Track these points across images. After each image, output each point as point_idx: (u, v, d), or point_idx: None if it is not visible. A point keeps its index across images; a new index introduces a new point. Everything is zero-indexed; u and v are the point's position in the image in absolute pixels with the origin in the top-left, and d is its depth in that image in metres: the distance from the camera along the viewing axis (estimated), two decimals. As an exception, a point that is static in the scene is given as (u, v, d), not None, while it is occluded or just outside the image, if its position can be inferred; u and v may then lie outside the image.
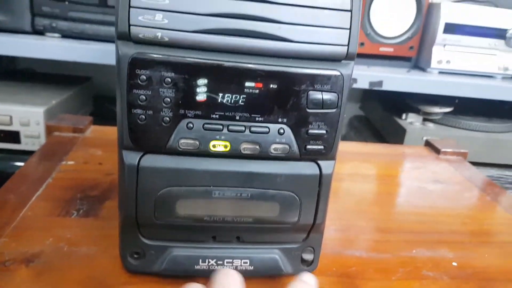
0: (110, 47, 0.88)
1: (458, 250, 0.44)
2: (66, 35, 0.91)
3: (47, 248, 0.38)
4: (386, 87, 0.98)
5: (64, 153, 0.57)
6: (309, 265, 0.38)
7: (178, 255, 0.35)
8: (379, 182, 0.60)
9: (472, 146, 1.04)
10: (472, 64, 1.07)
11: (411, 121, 1.08)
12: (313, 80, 0.31)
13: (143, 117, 0.30)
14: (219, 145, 0.31)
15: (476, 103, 1.08)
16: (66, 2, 0.89)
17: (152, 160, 0.32)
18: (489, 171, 1.07)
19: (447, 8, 1.02)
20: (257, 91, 0.31)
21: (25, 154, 0.86)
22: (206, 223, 0.33)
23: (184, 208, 0.33)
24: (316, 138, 0.32)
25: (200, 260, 0.35)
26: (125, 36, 0.29)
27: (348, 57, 0.31)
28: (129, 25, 0.28)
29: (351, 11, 0.30)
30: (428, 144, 0.76)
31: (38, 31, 0.91)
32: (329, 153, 0.33)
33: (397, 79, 0.99)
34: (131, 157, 0.32)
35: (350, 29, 0.31)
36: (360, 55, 1.05)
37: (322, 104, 0.32)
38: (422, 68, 1.09)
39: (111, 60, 0.88)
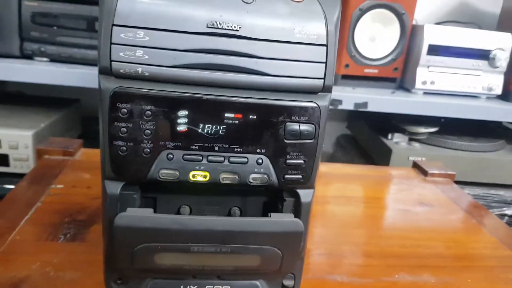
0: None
1: (441, 275, 0.45)
2: (54, 59, 0.92)
3: (34, 273, 0.38)
4: (371, 108, 0.99)
5: (54, 176, 0.58)
6: None
7: (159, 282, 0.35)
8: (364, 205, 0.61)
9: (458, 166, 1.06)
10: (456, 84, 1.10)
11: (397, 140, 1.10)
12: (290, 112, 0.32)
13: (124, 148, 0.31)
14: (198, 175, 0.32)
15: (462, 123, 1.10)
16: (55, 27, 0.90)
17: (129, 220, 0.31)
18: (475, 190, 1.09)
19: (430, 30, 1.05)
20: (236, 122, 0.31)
21: (14, 177, 0.86)
22: (185, 269, 0.34)
23: (163, 258, 0.33)
24: (294, 167, 0.33)
25: (182, 287, 0.35)
26: (107, 71, 0.30)
27: (325, 89, 0.32)
28: (111, 61, 0.29)
29: (326, 45, 0.32)
30: (415, 165, 0.77)
31: (26, 56, 0.92)
32: (307, 182, 0.34)
33: (382, 100, 1.01)
34: (113, 187, 0.32)
35: (326, 62, 0.32)
36: (345, 77, 1.07)
37: (300, 135, 0.32)
38: (407, 89, 1.11)
39: (97, 84, 0.88)
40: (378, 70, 1.08)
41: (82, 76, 0.88)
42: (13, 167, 0.86)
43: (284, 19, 0.31)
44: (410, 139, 1.10)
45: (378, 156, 1.13)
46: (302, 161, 0.33)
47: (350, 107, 0.98)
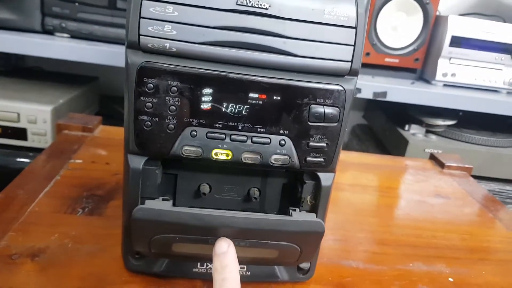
0: (118, 49, 0.88)
1: (455, 266, 0.45)
2: (75, 35, 0.92)
3: (52, 244, 0.39)
4: (390, 98, 0.98)
5: (73, 151, 0.58)
6: (305, 274, 0.38)
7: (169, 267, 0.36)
8: (380, 194, 0.61)
9: (474, 160, 1.04)
10: (477, 78, 1.07)
11: (413, 132, 1.08)
12: (316, 94, 0.32)
13: (149, 123, 0.31)
14: (221, 154, 0.32)
15: (480, 117, 1.08)
16: (76, 3, 0.90)
17: (148, 213, 0.31)
18: (490, 185, 1.07)
19: (454, 21, 1.03)
20: (260, 102, 0.31)
21: (32, 151, 0.87)
22: (201, 256, 0.34)
23: (180, 247, 0.33)
24: (317, 150, 0.33)
25: (199, 264, 0.36)
26: (135, 45, 0.30)
27: (351, 73, 0.32)
28: (139, 35, 0.29)
29: (356, 28, 0.31)
30: (432, 157, 0.77)
31: (47, 31, 0.92)
32: (328, 165, 0.34)
33: (401, 90, 0.99)
34: (136, 161, 0.32)
35: (354, 45, 0.31)
36: (365, 65, 1.05)
37: (324, 117, 0.32)
38: (427, 80, 1.10)
39: (118, 62, 0.89)
40: (399, 60, 1.06)
41: (101, 54, 0.89)
42: (31, 141, 0.87)
43: (313, 0, 0.30)
44: (427, 131, 1.09)
45: (394, 147, 1.12)
46: (325, 144, 0.33)
47: (369, 96, 0.97)
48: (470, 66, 1.06)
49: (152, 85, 0.30)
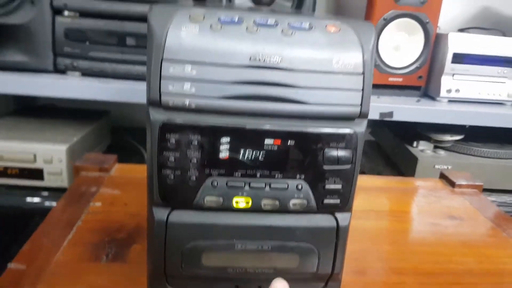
0: (128, 85, 0.91)
1: (473, 291, 0.45)
2: (86, 73, 0.95)
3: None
4: (396, 117, 0.99)
5: (91, 194, 0.60)
6: None
7: None
8: (393, 219, 0.62)
9: (484, 173, 1.05)
10: (481, 92, 1.09)
11: (422, 148, 1.09)
12: (329, 139, 0.33)
13: (172, 176, 0.33)
14: (241, 201, 0.33)
15: (488, 130, 1.09)
16: (87, 43, 0.93)
17: (180, 216, 0.34)
18: (503, 197, 1.07)
19: (454, 39, 1.05)
20: (276, 149, 0.33)
21: (48, 191, 0.89)
22: (229, 274, 0.35)
23: (209, 260, 0.35)
24: (333, 192, 0.34)
25: None
26: (156, 103, 0.31)
27: (362, 115, 0.33)
28: (160, 94, 0.31)
29: (363, 73, 0.33)
30: (442, 176, 0.78)
31: (59, 70, 0.95)
32: (345, 206, 0.35)
33: (407, 109, 1.01)
34: (161, 213, 0.34)
35: (363, 90, 0.33)
36: (370, 86, 1.07)
37: (338, 161, 0.34)
38: (432, 97, 1.11)
39: (129, 97, 0.91)
40: (402, 78, 1.08)
41: (113, 90, 0.91)
42: (48, 181, 0.89)
43: (322, 50, 0.32)
44: (436, 147, 1.10)
45: (404, 164, 1.13)
46: (340, 186, 0.34)
47: (376, 116, 0.98)
48: (473, 81, 1.08)
49: (174, 140, 0.32)
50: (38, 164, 0.87)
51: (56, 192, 0.89)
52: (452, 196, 0.71)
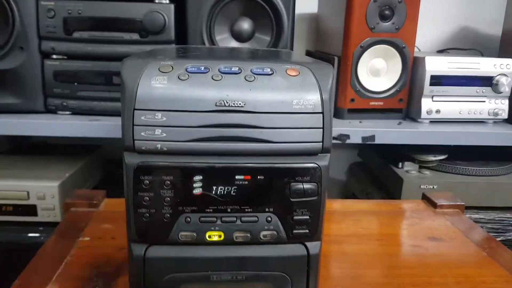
0: (117, 121, 0.93)
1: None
2: (76, 112, 0.98)
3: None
4: (379, 140, 1.02)
5: (80, 229, 0.62)
6: None
7: None
8: (376, 243, 0.63)
9: (470, 191, 1.07)
10: (462, 111, 1.11)
11: (407, 169, 1.11)
12: (294, 173, 0.36)
13: (147, 215, 0.35)
14: (214, 235, 0.36)
15: (471, 148, 1.11)
16: (75, 83, 0.97)
17: (156, 251, 0.36)
18: (490, 214, 1.09)
19: (431, 62, 1.08)
20: (245, 184, 0.35)
21: (42, 225, 0.92)
22: None
23: None
24: (301, 223, 0.37)
25: None
26: (130, 148, 0.34)
27: (324, 150, 0.36)
28: (134, 140, 0.34)
29: (322, 113, 0.36)
30: (424, 197, 0.80)
31: (50, 110, 0.98)
32: (314, 235, 0.37)
33: (389, 132, 1.04)
34: (138, 249, 0.36)
35: (323, 128, 0.36)
36: (352, 111, 1.10)
37: (304, 193, 0.36)
38: (413, 119, 1.14)
39: (118, 133, 0.93)
40: (383, 102, 1.11)
41: (102, 127, 0.94)
42: (41, 216, 0.91)
43: (282, 93, 0.35)
44: (421, 167, 1.12)
45: (390, 185, 1.15)
46: (308, 217, 0.37)
47: (358, 140, 1.01)
48: (453, 101, 1.11)
49: (148, 181, 0.34)
50: (32, 201, 0.90)
51: (49, 227, 0.91)
52: (434, 217, 0.73)
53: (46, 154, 1.08)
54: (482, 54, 1.33)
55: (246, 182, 0.35)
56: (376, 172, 1.29)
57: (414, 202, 0.79)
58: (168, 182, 0.35)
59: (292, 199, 0.36)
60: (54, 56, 0.97)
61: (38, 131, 0.93)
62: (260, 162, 0.35)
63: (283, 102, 0.35)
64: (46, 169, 0.98)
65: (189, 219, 0.35)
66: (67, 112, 0.99)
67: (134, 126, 0.34)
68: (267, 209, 0.36)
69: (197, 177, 0.35)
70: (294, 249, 0.38)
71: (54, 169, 0.97)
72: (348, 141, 1.01)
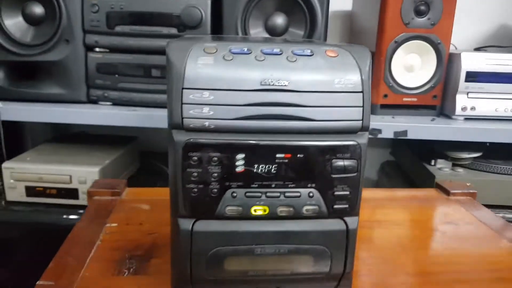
0: (154, 112, 0.98)
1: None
2: (116, 103, 1.03)
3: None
4: (411, 135, 1.02)
5: (106, 215, 0.63)
6: None
7: None
8: (395, 227, 0.64)
9: (505, 190, 1.05)
10: (498, 109, 1.09)
11: (440, 166, 1.10)
12: (335, 151, 0.37)
13: (196, 190, 0.37)
14: (259, 210, 0.37)
15: (507, 147, 1.09)
16: (116, 75, 1.01)
17: (203, 226, 0.38)
18: (525, 215, 1.07)
19: (467, 58, 1.07)
20: (288, 162, 0.37)
21: (83, 209, 0.95)
22: (250, 276, 0.39)
23: (231, 264, 0.39)
24: (341, 198, 0.38)
25: None
26: (178, 126, 0.36)
27: (363, 129, 0.38)
28: (182, 118, 0.36)
29: (362, 92, 0.37)
30: (438, 186, 0.80)
31: (92, 101, 1.03)
32: (353, 210, 0.39)
33: (421, 128, 1.03)
34: (186, 224, 0.38)
35: (363, 106, 0.37)
36: (384, 106, 1.10)
37: (344, 170, 0.38)
38: (448, 116, 1.13)
39: (155, 123, 0.97)
40: (417, 98, 1.11)
41: (140, 117, 0.98)
42: (82, 200, 0.96)
43: (324, 73, 0.37)
44: (454, 165, 1.11)
45: (422, 182, 1.14)
46: (348, 193, 0.38)
47: (390, 135, 1.01)
48: (488, 98, 1.09)
49: (196, 158, 0.36)
50: (74, 185, 0.95)
51: None
52: (448, 203, 0.73)
53: (86, 143, 1.14)
54: (520, 51, 1.30)
55: (290, 159, 0.37)
56: (408, 171, 1.28)
57: (427, 190, 0.80)
58: (215, 159, 0.36)
59: (333, 176, 0.38)
60: (97, 49, 1.01)
61: (81, 120, 0.98)
62: (303, 139, 0.37)
63: (325, 81, 0.36)
64: (87, 156, 1.03)
65: (235, 194, 0.37)
66: (108, 103, 1.03)
67: (183, 105, 0.35)
68: (309, 185, 0.38)
69: (243, 154, 0.36)
70: (334, 224, 0.39)
71: (94, 156, 1.02)
72: (380, 136, 1.01)
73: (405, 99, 1.10)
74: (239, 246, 0.38)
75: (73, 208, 0.96)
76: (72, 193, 0.95)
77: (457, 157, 1.10)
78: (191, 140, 0.36)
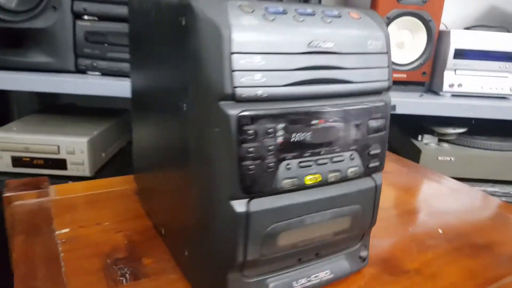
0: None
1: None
2: (105, 73, 0.99)
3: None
4: (399, 110, 1.03)
5: (47, 222, 0.50)
6: (363, 261, 0.44)
7: (275, 285, 0.39)
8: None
9: (487, 164, 1.09)
10: (483, 86, 1.13)
11: (426, 142, 1.14)
12: (372, 111, 0.38)
13: (253, 166, 0.33)
14: (312, 179, 0.36)
15: (491, 123, 1.12)
16: (105, 44, 0.97)
17: (259, 204, 0.34)
18: (505, 188, 1.11)
19: (456, 35, 1.09)
20: (335, 126, 0.36)
21: (71, 179, 0.94)
22: (296, 249, 0.38)
23: (283, 240, 0.36)
24: (374, 156, 0.39)
25: (294, 283, 0.39)
26: (228, 97, 0.31)
27: (388, 89, 0.39)
28: (233, 87, 0.31)
29: (387, 53, 0.38)
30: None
31: (80, 70, 0.99)
32: (382, 167, 0.40)
33: (410, 103, 1.05)
34: (241, 206, 0.33)
35: (388, 67, 0.38)
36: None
37: (377, 129, 0.38)
38: (435, 92, 1.16)
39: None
40: (406, 74, 1.13)
41: (129, 88, 0.95)
42: (70, 170, 0.93)
43: (359, 34, 0.36)
44: (440, 140, 1.14)
45: (408, 156, 1.17)
46: (379, 150, 0.39)
47: (383, 110, 1.02)
48: (475, 76, 1.12)
49: (252, 131, 0.32)
50: (62, 155, 0.92)
51: (78, 180, 0.92)
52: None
53: (75, 115, 1.10)
54: (509, 31, 1.32)
55: (337, 124, 0.36)
56: (395, 145, 1.31)
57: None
58: (271, 130, 0.33)
59: (369, 136, 0.38)
60: (86, 17, 0.96)
61: (69, 89, 0.94)
62: (347, 103, 0.36)
63: (361, 43, 0.36)
64: (75, 127, 0.99)
65: (289, 166, 0.34)
66: (97, 73, 0.99)
67: (233, 72, 0.30)
68: (350, 148, 0.37)
69: (295, 123, 0.34)
70: (366, 182, 0.39)
71: (83, 127, 0.98)
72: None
73: (395, 75, 1.12)
74: (293, 219, 0.36)
75: (61, 179, 0.93)
76: (60, 163, 0.93)
77: (443, 132, 1.14)
78: (247, 112, 0.31)
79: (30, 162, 0.92)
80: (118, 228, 0.50)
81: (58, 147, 0.91)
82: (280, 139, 0.34)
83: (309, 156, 0.36)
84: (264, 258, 0.37)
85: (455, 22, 1.41)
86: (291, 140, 0.34)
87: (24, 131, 0.94)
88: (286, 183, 0.35)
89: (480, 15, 1.44)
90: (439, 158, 1.09)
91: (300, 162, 0.35)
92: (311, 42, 0.34)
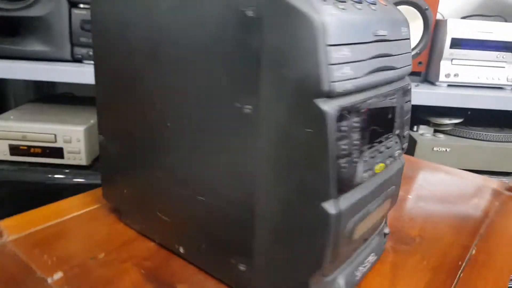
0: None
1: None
2: (102, 61, 0.97)
3: None
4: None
5: (26, 271, 0.40)
6: (385, 236, 0.45)
7: (344, 279, 0.37)
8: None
9: (483, 156, 1.09)
10: (480, 76, 1.12)
11: (422, 132, 1.14)
12: (408, 94, 0.38)
13: (345, 164, 0.30)
14: (379, 168, 0.35)
15: (487, 114, 1.12)
16: (103, 32, 0.95)
17: (346, 201, 0.32)
18: (501, 179, 1.11)
19: (453, 24, 1.09)
20: (396, 112, 0.36)
21: (68, 168, 0.94)
22: (364, 237, 0.38)
23: (358, 231, 0.35)
24: (406, 137, 0.39)
25: (355, 272, 0.39)
26: (323, 94, 0.28)
27: (409, 73, 0.39)
28: (331, 83, 0.28)
29: (409, 39, 0.38)
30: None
31: (77, 59, 0.97)
32: (406, 148, 0.40)
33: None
34: (332, 206, 0.31)
35: (410, 52, 0.38)
36: (373, 72, 1.11)
37: (408, 110, 0.39)
38: (432, 82, 1.16)
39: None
40: (403, 64, 1.12)
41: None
42: (67, 159, 0.93)
43: (399, 21, 0.37)
44: (436, 131, 1.15)
45: (405, 147, 1.17)
46: (408, 131, 0.39)
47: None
48: (472, 65, 1.11)
49: (346, 128, 0.30)
50: (59, 144, 0.91)
51: (75, 169, 0.94)
52: None
53: (72, 104, 1.09)
54: (506, 21, 1.32)
55: (396, 109, 0.36)
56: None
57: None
58: (358, 124, 0.31)
59: (405, 118, 0.38)
60: (82, 5, 0.95)
61: (65, 78, 0.92)
62: (399, 87, 0.37)
63: (398, 30, 0.36)
64: (72, 116, 0.98)
65: (366, 158, 0.33)
66: (93, 62, 0.98)
67: (330, 66, 0.27)
68: (397, 132, 0.37)
69: (374, 113, 0.32)
70: (398, 162, 0.40)
71: (80, 116, 0.98)
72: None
73: (392, 65, 1.11)
74: (363, 209, 0.35)
75: (58, 167, 0.93)
76: (57, 152, 0.92)
77: (439, 123, 1.14)
78: (343, 107, 0.29)
79: (27, 151, 0.92)
80: (119, 258, 0.42)
81: (55, 135, 0.91)
82: (362, 132, 0.32)
83: (378, 144, 0.34)
84: (344, 254, 0.35)
85: (452, 11, 1.41)
86: (368, 130, 0.32)
87: (21, 119, 0.93)
88: (365, 176, 0.33)
89: (477, 4, 1.45)
90: (435, 148, 1.09)
91: (371, 153, 0.33)
92: (376, 31, 0.32)
